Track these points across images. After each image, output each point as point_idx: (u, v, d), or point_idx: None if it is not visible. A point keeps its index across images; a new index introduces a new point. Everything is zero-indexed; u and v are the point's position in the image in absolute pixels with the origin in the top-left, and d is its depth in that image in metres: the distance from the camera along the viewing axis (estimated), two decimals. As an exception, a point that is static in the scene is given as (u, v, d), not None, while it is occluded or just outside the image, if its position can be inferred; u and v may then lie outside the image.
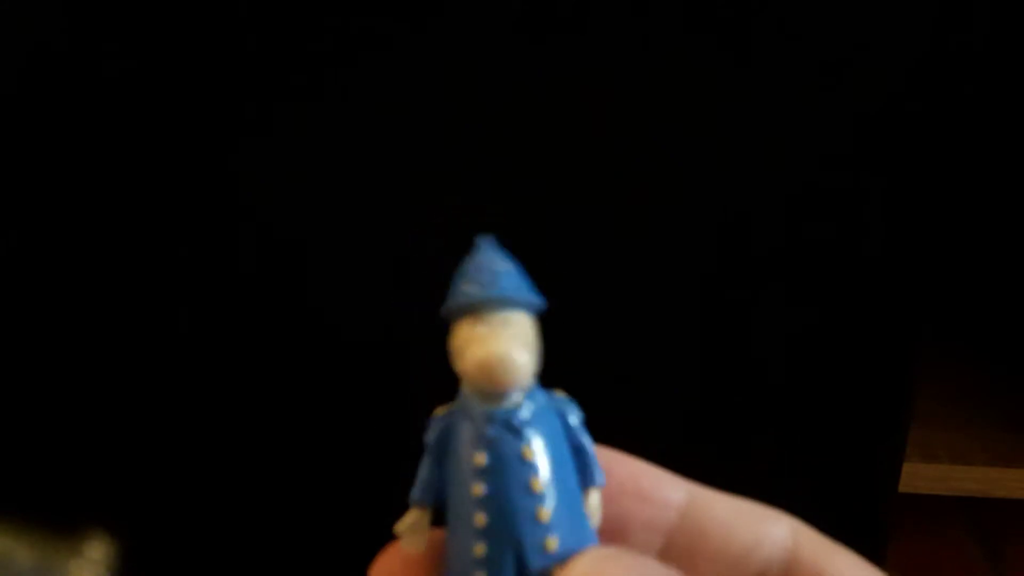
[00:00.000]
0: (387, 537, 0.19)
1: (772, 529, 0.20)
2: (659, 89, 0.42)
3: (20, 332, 0.46)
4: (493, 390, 0.17)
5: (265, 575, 0.50)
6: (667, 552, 0.20)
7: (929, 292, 0.46)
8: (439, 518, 0.18)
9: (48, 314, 0.45)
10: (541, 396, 0.18)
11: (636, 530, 0.20)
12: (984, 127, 0.76)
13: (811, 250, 0.44)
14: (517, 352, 0.17)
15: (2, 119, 0.42)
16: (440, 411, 0.18)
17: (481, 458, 0.17)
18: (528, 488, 0.17)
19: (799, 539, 0.20)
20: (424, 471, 0.18)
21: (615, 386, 0.46)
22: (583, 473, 0.18)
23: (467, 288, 0.17)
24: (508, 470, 0.17)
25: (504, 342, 0.17)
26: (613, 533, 0.19)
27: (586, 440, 0.18)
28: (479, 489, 0.17)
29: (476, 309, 0.17)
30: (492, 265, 0.18)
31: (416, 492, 0.18)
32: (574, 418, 0.18)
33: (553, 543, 0.17)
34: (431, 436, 0.18)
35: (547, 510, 0.17)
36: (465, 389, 0.18)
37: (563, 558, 0.17)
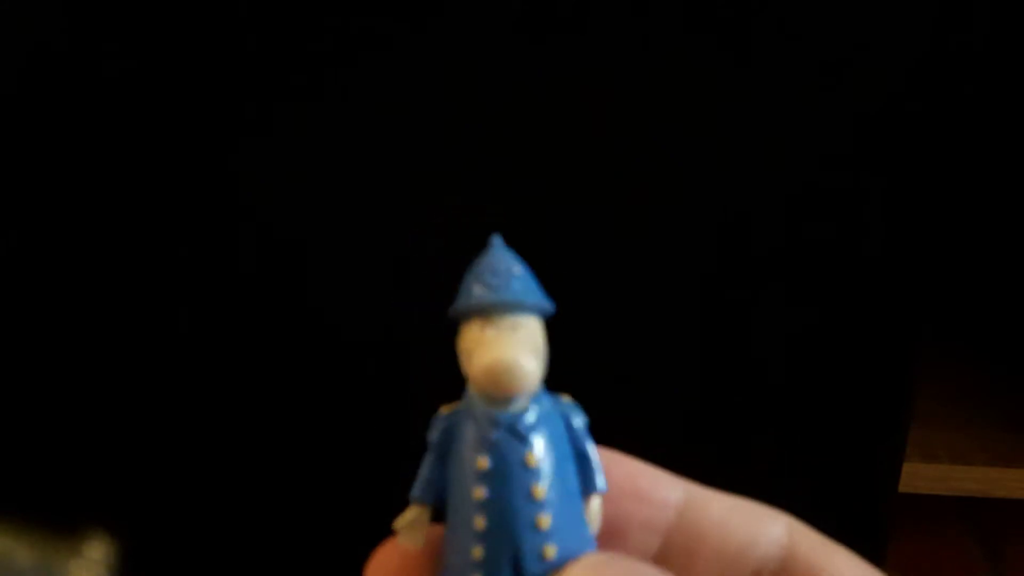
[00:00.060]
0: (386, 537, 0.19)
1: (768, 528, 0.20)
2: (659, 89, 0.42)
3: (20, 332, 0.46)
4: (500, 395, 0.17)
5: (265, 575, 0.50)
6: (665, 552, 0.20)
7: (929, 292, 0.46)
8: (437, 516, 0.18)
9: (48, 314, 0.45)
10: (547, 400, 0.18)
11: (634, 530, 0.20)
12: (984, 127, 0.76)
13: (811, 250, 0.44)
14: (525, 358, 0.17)
15: (2, 119, 0.42)
16: (445, 410, 0.18)
17: (484, 462, 0.17)
18: (529, 495, 0.17)
19: (795, 537, 0.20)
20: (425, 469, 0.18)
21: (615, 386, 0.46)
22: (585, 478, 0.18)
23: (478, 290, 0.17)
24: (510, 475, 0.17)
25: (512, 347, 0.17)
26: (611, 534, 0.19)
27: (590, 446, 0.18)
28: (480, 492, 0.17)
29: (486, 311, 0.17)
30: (504, 267, 0.18)
31: (416, 490, 0.18)
32: (578, 423, 0.18)
33: (551, 551, 0.17)
34: (434, 435, 0.18)
35: (547, 518, 0.17)
36: (471, 390, 0.18)
37: (560, 566, 0.17)
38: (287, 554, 0.49)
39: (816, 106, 0.42)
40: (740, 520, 0.20)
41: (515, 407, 0.17)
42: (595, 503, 0.18)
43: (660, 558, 0.20)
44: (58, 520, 0.47)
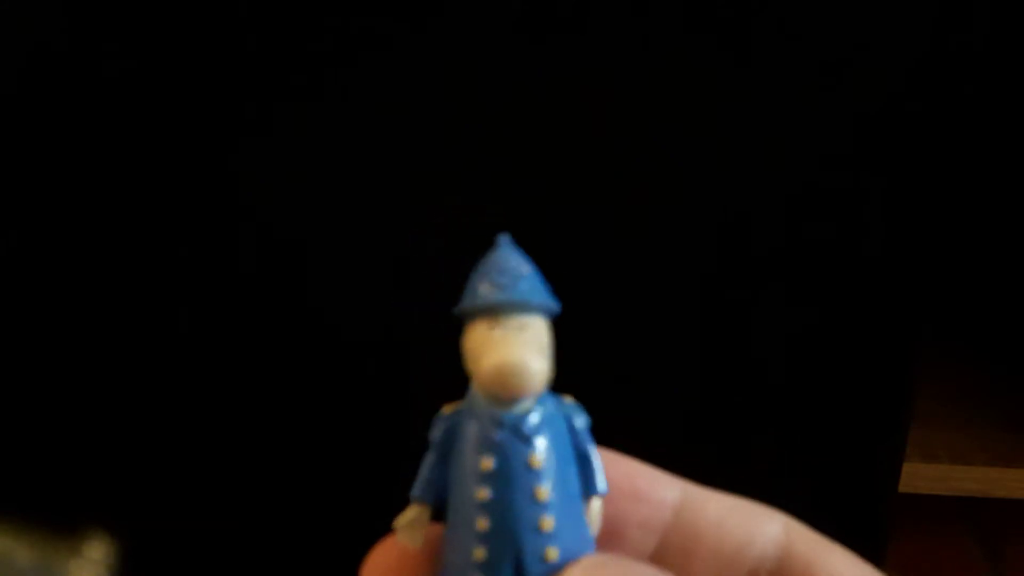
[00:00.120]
0: (385, 536, 0.19)
1: (765, 527, 0.20)
2: (659, 89, 0.42)
3: (20, 332, 0.46)
4: (507, 396, 0.17)
5: (265, 575, 0.50)
6: (662, 551, 0.20)
7: (929, 292, 0.46)
8: (436, 516, 0.18)
9: (48, 314, 0.45)
10: (550, 401, 0.18)
11: (631, 530, 0.20)
12: (984, 127, 0.76)
13: (811, 250, 0.44)
14: (533, 360, 0.16)
15: (2, 119, 0.42)
16: (447, 409, 0.18)
17: (488, 462, 0.17)
18: (533, 496, 0.17)
19: (792, 536, 0.20)
20: (427, 469, 0.18)
21: (615, 386, 0.46)
22: (586, 480, 0.18)
23: (485, 289, 0.17)
24: (514, 477, 0.17)
25: (520, 348, 0.16)
26: (608, 533, 0.19)
27: (592, 448, 0.18)
28: (483, 493, 0.17)
29: (493, 312, 0.17)
30: (511, 266, 0.17)
31: (417, 489, 0.18)
32: (581, 424, 0.18)
33: (553, 553, 0.17)
34: (436, 434, 0.18)
35: (550, 520, 0.17)
36: (475, 389, 0.18)
37: (561, 568, 0.17)
38: (287, 554, 0.49)
39: (816, 106, 0.42)
40: (737, 519, 0.20)
41: (519, 408, 0.17)
42: (595, 505, 0.18)
43: (657, 558, 0.20)
44: (58, 520, 0.47)
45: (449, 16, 0.41)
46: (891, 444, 0.49)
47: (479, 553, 0.17)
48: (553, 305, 0.17)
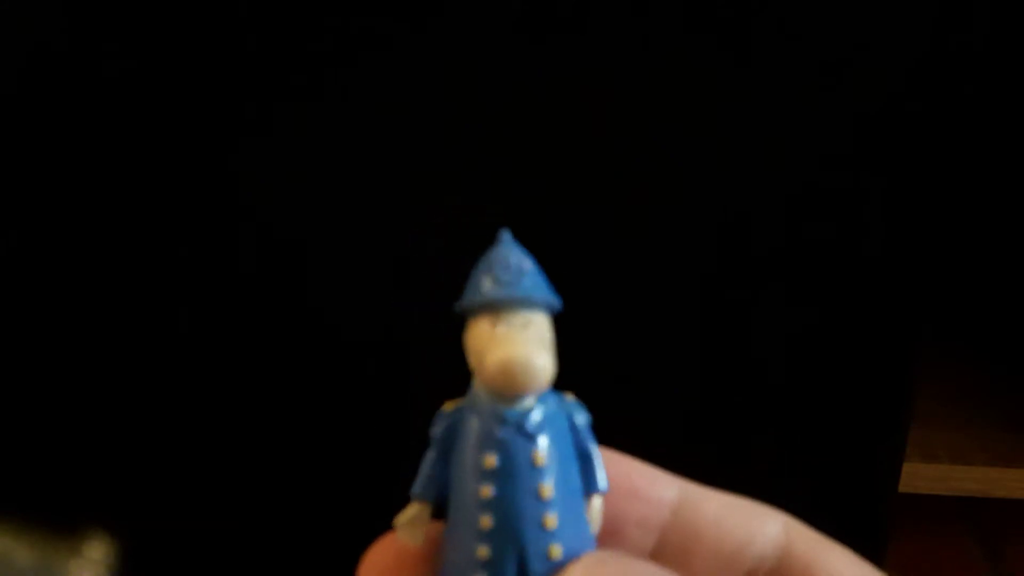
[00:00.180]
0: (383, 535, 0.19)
1: (764, 525, 0.20)
2: (659, 89, 0.42)
3: (20, 332, 0.46)
4: (512, 393, 0.17)
5: (265, 575, 0.50)
6: (660, 550, 0.20)
7: (929, 292, 0.46)
8: (436, 514, 0.18)
9: (48, 314, 0.45)
10: (552, 399, 0.18)
11: (630, 529, 0.20)
12: (984, 127, 0.76)
13: (811, 250, 0.44)
14: (539, 356, 0.16)
15: (2, 119, 0.42)
16: (449, 406, 0.18)
17: (491, 459, 0.17)
18: (536, 493, 0.17)
19: (792, 535, 0.20)
20: (428, 466, 0.18)
21: (615, 386, 0.46)
22: (587, 478, 0.18)
23: (488, 285, 0.17)
24: (518, 474, 0.17)
25: (525, 344, 0.16)
26: (607, 532, 0.19)
27: (593, 445, 0.18)
28: (487, 491, 0.17)
29: (496, 307, 0.17)
30: (514, 262, 0.17)
31: (418, 486, 0.18)
32: (582, 422, 0.18)
33: (557, 551, 0.17)
34: (438, 431, 0.18)
35: (553, 517, 0.17)
36: (477, 386, 0.17)
37: (565, 565, 0.17)
38: (287, 554, 0.49)
39: (816, 106, 0.42)
40: (736, 518, 0.20)
41: (521, 405, 0.17)
42: (596, 503, 0.18)
43: (656, 556, 0.20)
44: (58, 520, 0.47)
45: (449, 16, 0.41)
46: (891, 444, 0.49)
47: (482, 551, 0.17)
48: (555, 301, 0.17)
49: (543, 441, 0.17)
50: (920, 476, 0.67)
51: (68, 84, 0.41)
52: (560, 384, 0.18)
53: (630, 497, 0.20)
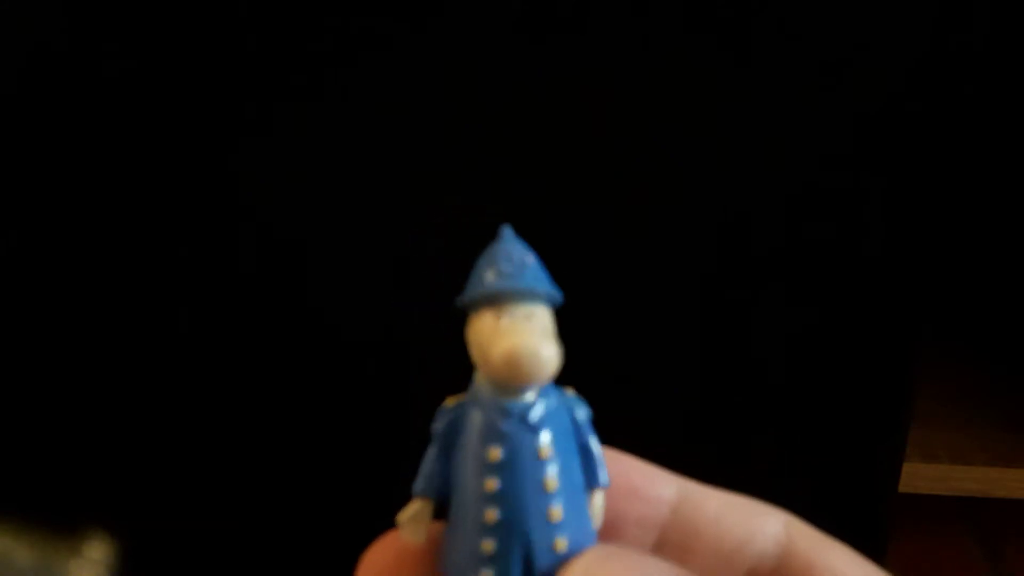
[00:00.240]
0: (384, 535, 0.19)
1: (765, 524, 0.20)
2: (659, 89, 0.42)
3: (20, 332, 0.46)
4: (518, 384, 0.17)
5: (265, 575, 0.50)
6: (660, 549, 0.20)
7: (929, 292, 0.46)
8: (436, 513, 0.18)
9: (48, 314, 0.45)
10: (553, 393, 0.18)
11: (629, 527, 0.20)
12: (984, 127, 0.76)
13: (811, 250, 0.44)
14: (546, 346, 0.16)
15: (2, 119, 0.42)
16: (450, 401, 0.18)
17: (496, 452, 0.17)
18: (542, 486, 0.17)
19: (792, 533, 0.20)
20: (429, 462, 0.18)
21: (615, 386, 0.46)
22: (588, 473, 0.18)
23: (491, 277, 0.17)
24: (523, 466, 0.17)
25: (531, 335, 0.16)
26: (606, 531, 0.19)
27: (594, 440, 0.18)
28: (492, 484, 0.17)
29: (499, 300, 0.17)
30: (516, 256, 0.17)
31: (420, 483, 0.18)
32: (583, 417, 0.18)
33: (562, 543, 0.17)
34: (440, 426, 0.18)
35: (559, 509, 0.17)
36: (479, 381, 0.17)
37: (570, 559, 0.17)
38: (287, 553, 0.49)
39: (816, 106, 0.42)
40: (736, 516, 0.20)
41: (524, 398, 0.17)
42: (598, 498, 0.18)
43: (655, 555, 0.20)
44: (58, 520, 0.47)
45: (449, 16, 0.41)
46: (891, 444, 0.49)
47: (487, 545, 0.17)
48: (557, 295, 0.17)
49: (547, 433, 0.17)
50: (920, 476, 0.67)
51: (68, 84, 0.41)
52: (560, 383, 0.18)
53: (629, 496, 0.20)
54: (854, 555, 0.19)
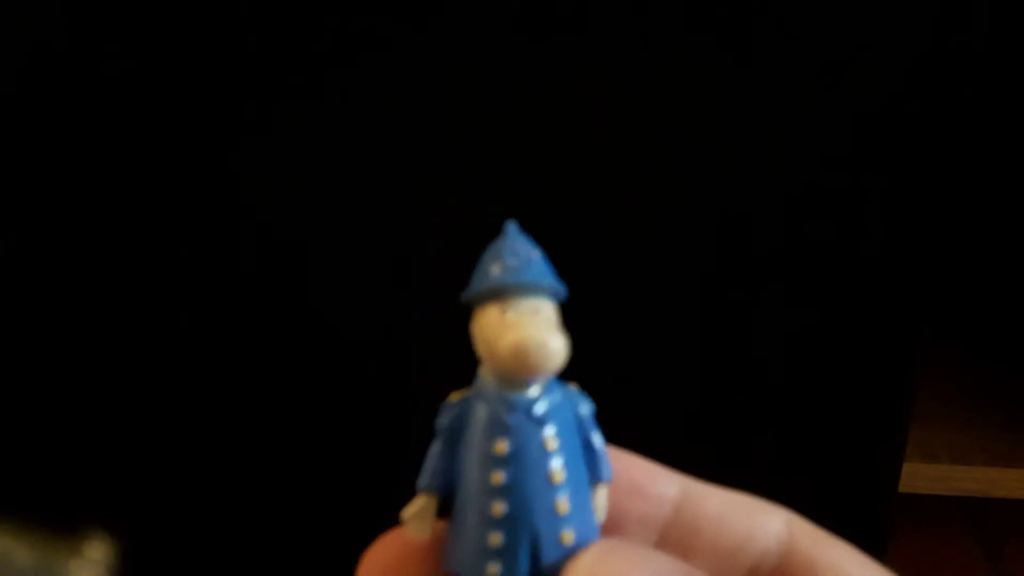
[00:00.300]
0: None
1: (766, 521, 0.20)
2: (659, 89, 0.42)
3: (20, 332, 0.46)
4: (526, 376, 0.17)
5: (265, 575, 0.50)
6: (661, 546, 0.20)
7: (929, 292, 0.46)
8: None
9: (48, 314, 0.45)
10: (557, 388, 0.18)
11: (631, 525, 0.20)
12: (984, 127, 0.76)
13: (811, 250, 0.44)
14: (553, 338, 0.16)
15: (2, 119, 0.42)
16: (455, 396, 0.18)
17: (502, 446, 0.17)
18: (548, 478, 0.17)
19: (794, 531, 0.20)
20: (434, 457, 0.18)
21: (615, 386, 0.46)
22: (592, 467, 0.18)
23: (497, 272, 0.17)
24: (529, 459, 0.17)
25: (538, 327, 0.16)
26: (608, 528, 0.19)
27: (597, 435, 0.18)
28: (499, 477, 0.17)
29: (505, 294, 0.17)
30: (522, 250, 0.17)
31: (424, 478, 0.18)
32: (586, 412, 0.18)
33: (569, 536, 0.17)
34: (444, 421, 0.18)
35: (565, 502, 0.17)
36: (483, 375, 0.17)
37: (575, 551, 0.17)
38: (287, 553, 0.49)
39: (816, 106, 0.42)
40: (738, 514, 0.20)
41: (529, 392, 0.17)
42: (602, 493, 0.18)
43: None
44: (58, 520, 0.47)
45: (449, 16, 0.41)
46: (891, 444, 0.49)
47: (494, 539, 0.17)
48: (562, 289, 0.17)
49: (553, 426, 0.17)
50: (920, 476, 0.67)
51: (68, 84, 0.41)
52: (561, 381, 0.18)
53: (631, 493, 0.19)
54: (856, 552, 0.19)
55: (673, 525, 0.20)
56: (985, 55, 0.41)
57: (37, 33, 0.41)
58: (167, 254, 0.44)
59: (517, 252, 0.17)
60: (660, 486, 0.20)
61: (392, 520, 0.18)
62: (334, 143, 0.42)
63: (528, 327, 0.16)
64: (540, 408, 0.17)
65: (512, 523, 0.17)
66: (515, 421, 0.17)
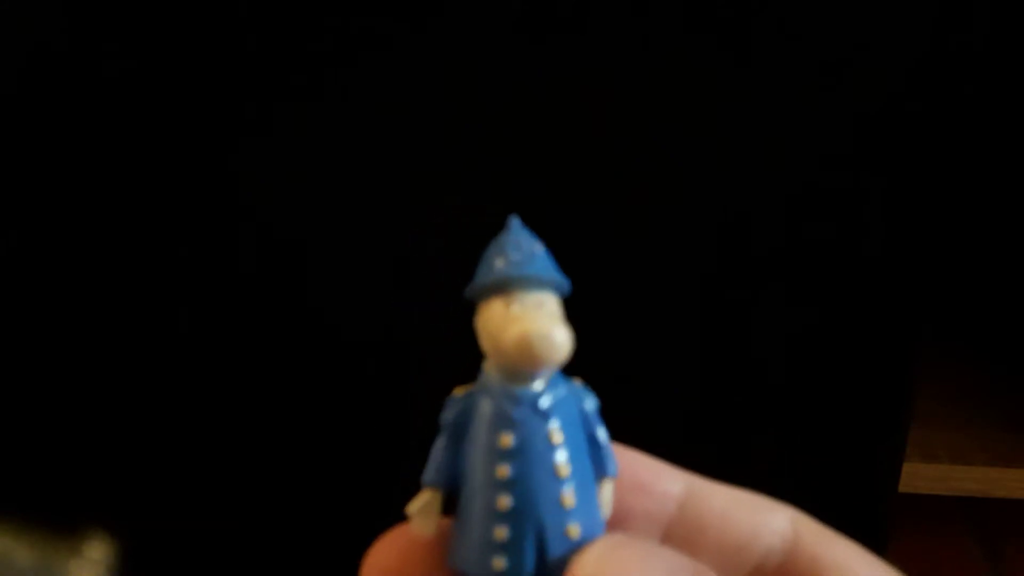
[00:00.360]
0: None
1: (771, 519, 0.20)
2: (659, 89, 0.42)
3: (20, 332, 0.46)
4: (531, 368, 0.17)
5: (265, 575, 0.50)
6: (666, 544, 0.20)
7: (929, 292, 0.46)
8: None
9: (48, 314, 0.45)
10: (562, 383, 0.18)
11: (635, 522, 0.19)
12: (984, 127, 0.76)
13: (811, 250, 0.44)
14: (558, 330, 0.16)
15: (2, 119, 0.42)
16: (459, 391, 0.18)
17: (507, 439, 0.17)
18: (554, 472, 0.17)
19: (798, 528, 0.20)
20: (439, 452, 0.18)
21: (615, 386, 0.46)
22: (597, 462, 0.18)
23: (502, 265, 0.17)
24: (535, 452, 0.17)
25: (543, 320, 0.16)
26: (611, 525, 0.19)
27: (602, 430, 0.18)
28: (504, 471, 0.17)
29: (508, 288, 0.17)
30: (525, 244, 0.17)
31: (429, 473, 0.18)
32: (591, 407, 0.18)
33: (575, 530, 0.17)
34: (449, 416, 0.18)
35: (571, 496, 0.17)
36: (488, 370, 0.17)
37: (581, 546, 0.17)
38: (287, 554, 0.49)
39: (816, 106, 0.42)
40: (742, 512, 0.20)
41: (534, 386, 0.17)
42: (607, 488, 0.18)
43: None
44: (58, 520, 0.47)
45: (449, 16, 0.41)
46: (891, 444, 0.49)
47: (500, 532, 0.17)
48: (565, 283, 0.17)
49: (558, 420, 0.17)
50: (920, 476, 0.67)
51: (68, 84, 0.41)
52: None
53: (636, 491, 0.19)
54: (860, 550, 0.19)
55: (678, 522, 0.20)
56: (985, 55, 0.41)
57: (37, 33, 0.41)
58: (167, 254, 0.44)
59: (520, 246, 0.17)
60: (665, 483, 0.20)
61: (392, 520, 0.18)
62: (334, 143, 0.42)
63: (533, 319, 0.16)
64: (545, 402, 0.17)
65: (518, 516, 0.17)
66: (520, 414, 0.17)
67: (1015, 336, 0.80)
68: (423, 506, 0.18)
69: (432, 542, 0.18)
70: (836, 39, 0.41)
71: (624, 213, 0.44)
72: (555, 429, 0.17)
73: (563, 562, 0.17)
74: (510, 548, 0.17)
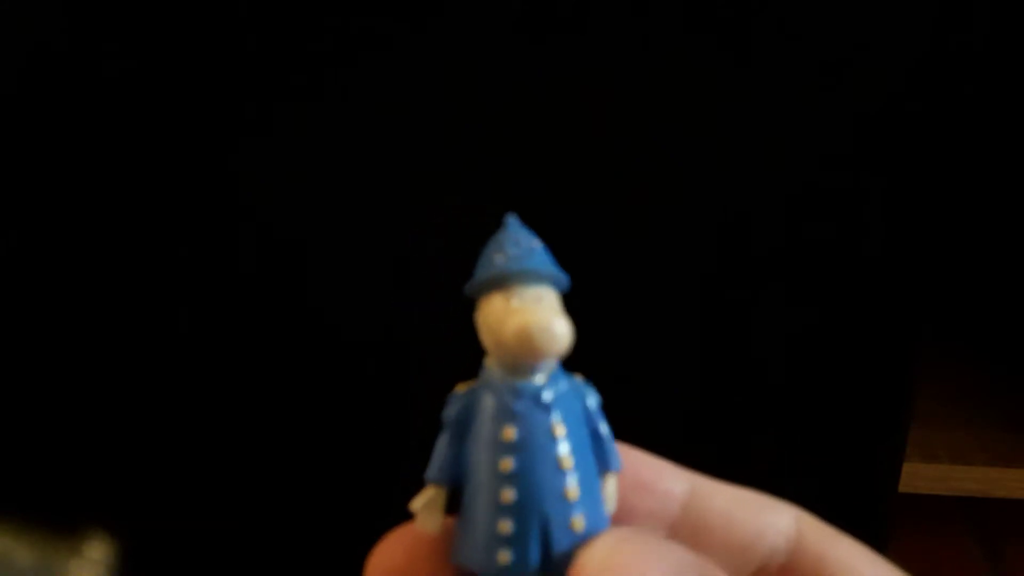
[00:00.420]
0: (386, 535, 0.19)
1: (775, 518, 0.20)
2: (659, 89, 0.42)
3: (20, 332, 0.46)
4: (532, 360, 0.17)
5: (265, 575, 0.50)
6: None
7: (929, 292, 0.46)
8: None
9: (48, 314, 0.45)
10: (564, 378, 0.18)
11: (638, 521, 0.19)
12: (984, 127, 0.76)
13: (811, 250, 0.44)
14: (558, 321, 0.16)
15: (2, 119, 0.42)
16: (461, 388, 0.18)
17: (510, 432, 0.17)
18: (557, 464, 0.17)
19: (803, 527, 0.20)
20: (442, 448, 0.18)
21: (615, 386, 0.46)
22: (600, 457, 0.18)
23: (500, 259, 0.17)
24: (538, 445, 0.17)
25: (543, 312, 0.17)
26: (615, 524, 0.19)
27: (604, 425, 0.18)
28: (507, 464, 0.17)
29: (508, 283, 0.17)
30: (523, 240, 0.18)
31: (433, 470, 0.18)
32: (593, 402, 0.18)
33: (579, 522, 0.17)
34: (451, 412, 0.18)
35: (575, 488, 0.17)
36: (490, 365, 0.17)
37: (586, 539, 0.17)
38: (287, 554, 0.49)
39: (816, 106, 0.42)
40: (746, 511, 0.20)
41: (536, 380, 0.17)
42: (612, 482, 0.18)
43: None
44: (58, 520, 0.47)
45: (449, 16, 0.41)
46: (891, 444, 0.49)
47: (504, 526, 0.17)
48: (564, 278, 0.17)
49: (560, 413, 0.17)
50: (920, 476, 0.67)
51: (68, 84, 0.41)
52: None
53: (639, 490, 0.19)
54: (865, 549, 0.19)
55: (682, 522, 0.20)
56: (985, 55, 0.41)
57: (37, 33, 0.41)
58: (167, 254, 0.44)
59: (519, 242, 0.17)
60: (668, 482, 0.20)
61: (394, 519, 0.18)
62: (334, 143, 0.42)
63: (533, 312, 0.17)
64: (547, 395, 0.17)
65: (522, 509, 0.17)
66: (522, 408, 0.17)
67: (1015, 336, 0.80)
68: (427, 503, 0.18)
69: (437, 539, 0.18)
70: (836, 39, 0.41)
71: (624, 213, 0.44)
72: (557, 422, 0.17)
73: (568, 555, 0.17)
74: (515, 541, 0.17)
